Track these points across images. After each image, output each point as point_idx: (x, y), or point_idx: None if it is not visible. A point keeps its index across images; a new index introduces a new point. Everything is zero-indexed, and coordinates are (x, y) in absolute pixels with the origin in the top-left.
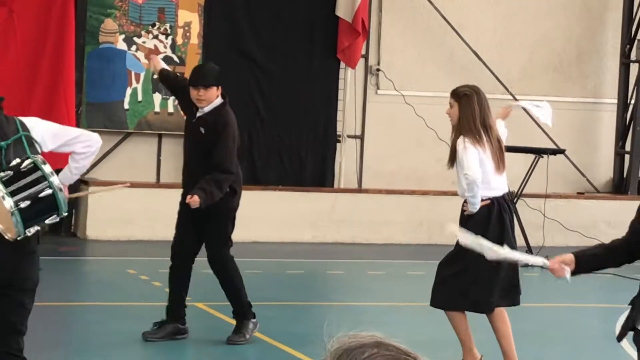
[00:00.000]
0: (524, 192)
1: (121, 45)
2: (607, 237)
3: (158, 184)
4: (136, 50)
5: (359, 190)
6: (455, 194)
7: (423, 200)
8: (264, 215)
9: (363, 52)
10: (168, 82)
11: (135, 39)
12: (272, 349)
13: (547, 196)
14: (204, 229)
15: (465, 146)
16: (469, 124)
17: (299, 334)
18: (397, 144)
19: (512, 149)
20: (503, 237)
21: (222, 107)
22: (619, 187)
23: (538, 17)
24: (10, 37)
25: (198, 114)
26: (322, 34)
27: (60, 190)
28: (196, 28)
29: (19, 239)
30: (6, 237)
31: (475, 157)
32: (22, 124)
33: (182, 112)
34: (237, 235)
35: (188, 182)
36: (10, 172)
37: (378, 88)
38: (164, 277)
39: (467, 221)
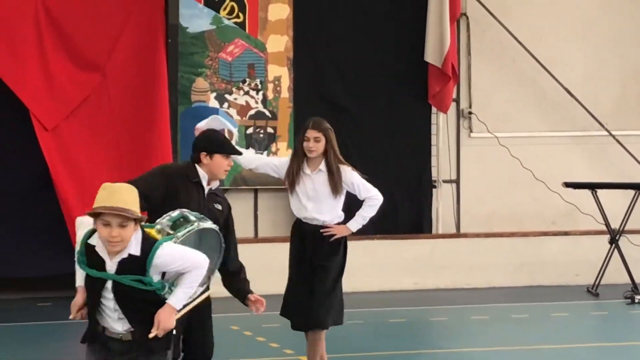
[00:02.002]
0: (625, 228)
1: (213, 103)
2: None
3: (256, 239)
4: (228, 107)
5: (458, 234)
6: (556, 234)
7: (523, 242)
8: (363, 264)
9: (454, 95)
10: None
11: (226, 96)
12: None
13: None
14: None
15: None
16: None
17: None
18: (493, 186)
19: (612, 186)
20: None
21: None
22: None
23: (629, 49)
24: (104, 102)
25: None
26: (411, 80)
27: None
28: (286, 81)
29: None
30: None
31: None
32: None
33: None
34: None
35: None
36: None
37: (471, 131)
38: (268, 332)
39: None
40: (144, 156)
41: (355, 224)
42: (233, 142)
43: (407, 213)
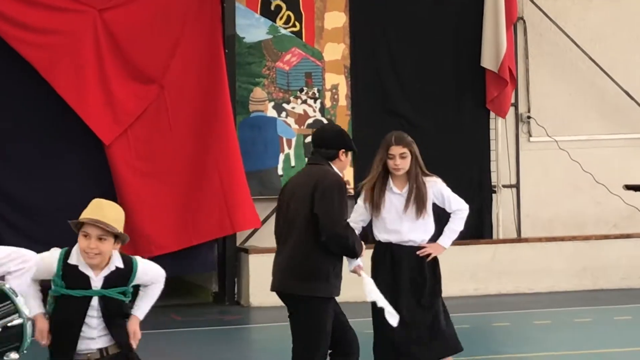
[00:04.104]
0: None
1: (271, 112)
2: None
3: None
4: (286, 117)
5: (519, 239)
6: (618, 237)
7: (584, 246)
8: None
9: (512, 100)
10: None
11: (284, 105)
12: None
13: None
14: None
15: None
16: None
17: None
18: (554, 190)
19: None
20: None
21: None
22: None
23: None
24: (162, 114)
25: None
26: (469, 85)
27: (27, 322)
28: (344, 90)
29: None
30: None
31: None
32: None
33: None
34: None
35: None
36: None
37: (530, 135)
38: None
39: None
40: (204, 167)
41: (447, 239)
42: (291, 151)
43: (468, 219)
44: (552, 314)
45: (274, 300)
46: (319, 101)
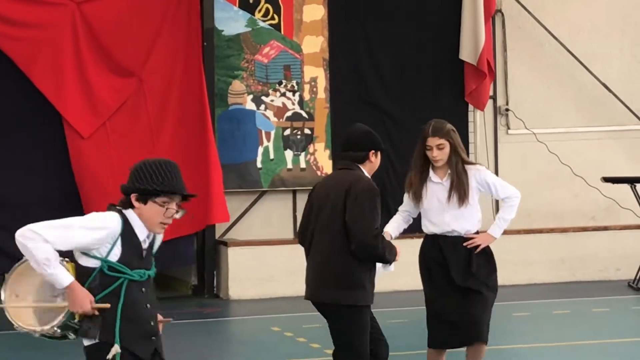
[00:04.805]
0: None
1: (250, 105)
2: None
3: (295, 240)
4: (265, 109)
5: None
6: (595, 229)
7: (563, 238)
8: (404, 263)
9: (491, 93)
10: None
11: (263, 98)
12: None
13: None
14: None
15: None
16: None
17: None
18: (532, 183)
19: None
20: None
21: None
22: None
23: None
24: (141, 106)
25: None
26: (448, 78)
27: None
28: (322, 82)
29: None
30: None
31: None
32: None
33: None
34: (378, 286)
35: None
36: None
37: (508, 128)
38: (308, 333)
39: None
40: (182, 161)
41: (498, 229)
42: (270, 144)
43: None
44: (530, 305)
45: (253, 293)
46: (297, 94)
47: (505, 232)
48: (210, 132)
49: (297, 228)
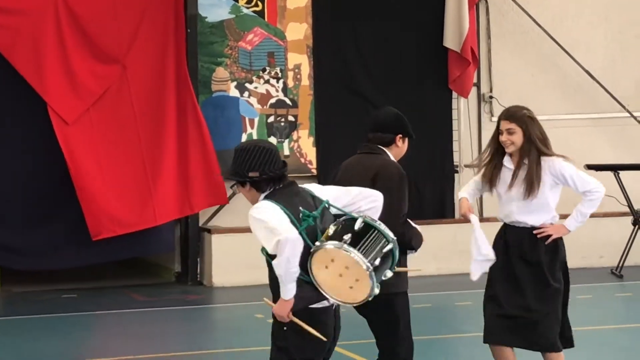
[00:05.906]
0: None
1: (233, 92)
2: None
3: None
4: (249, 96)
5: (480, 219)
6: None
7: None
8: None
9: (475, 80)
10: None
11: (247, 85)
12: None
13: None
14: None
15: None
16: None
17: None
18: None
19: (634, 167)
20: None
21: None
22: None
23: None
24: (124, 94)
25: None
26: (432, 65)
27: (396, 244)
28: (306, 69)
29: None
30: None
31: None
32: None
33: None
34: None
35: None
36: (349, 235)
37: (492, 115)
38: None
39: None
40: (166, 147)
41: (573, 222)
42: (254, 131)
43: (430, 198)
44: None
45: (236, 280)
46: (281, 81)
47: (489, 220)
48: (200, 116)
49: None
